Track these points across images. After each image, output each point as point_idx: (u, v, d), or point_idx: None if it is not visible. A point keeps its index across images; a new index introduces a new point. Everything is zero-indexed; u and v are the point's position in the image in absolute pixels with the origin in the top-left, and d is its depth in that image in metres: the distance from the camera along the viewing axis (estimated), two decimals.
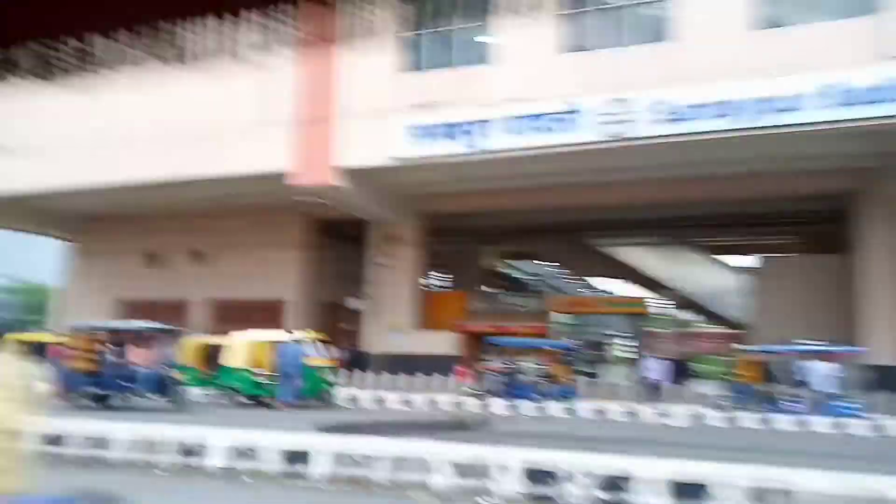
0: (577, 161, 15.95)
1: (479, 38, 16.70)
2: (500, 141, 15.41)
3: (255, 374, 12.62)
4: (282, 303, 22.97)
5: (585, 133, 14.77)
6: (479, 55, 16.59)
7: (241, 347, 12.95)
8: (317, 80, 17.19)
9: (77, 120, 19.34)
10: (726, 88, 13.82)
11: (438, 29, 16.85)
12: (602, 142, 14.74)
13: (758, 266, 20.72)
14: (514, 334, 19.00)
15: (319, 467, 5.66)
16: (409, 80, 16.82)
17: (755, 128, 13.62)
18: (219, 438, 6.13)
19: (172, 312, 23.43)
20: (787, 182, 18.26)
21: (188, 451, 6.08)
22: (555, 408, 13.98)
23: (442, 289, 24.35)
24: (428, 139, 15.99)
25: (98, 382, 11.49)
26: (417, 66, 17.00)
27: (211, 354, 14.86)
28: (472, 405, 14.21)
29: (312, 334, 13.56)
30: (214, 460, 5.97)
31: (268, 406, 12.43)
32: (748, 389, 13.08)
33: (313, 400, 12.60)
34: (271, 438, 6.11)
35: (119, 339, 12.20)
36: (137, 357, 11.85)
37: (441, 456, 5.31)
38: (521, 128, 15.25)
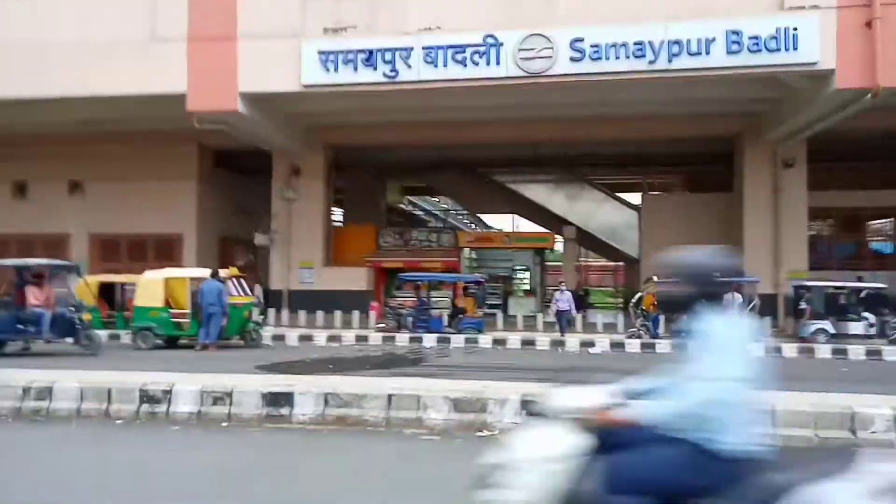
0: (491, 96, 15.93)
1: None
2: (421, 72, 14.99)
3: (173, 313, 11.85)
4: (177, 237, 21.57)
5: (506, 68, 14.69)
6: None
7: (156, 286, 12.04)
8: None
9: None
10: (643, 30, 14.20)
11: None
12: (522, 77, 14.76)
13: (644, 203, 22.12)
14: (425, 270, 19.21)
15: (302, 409, 5.48)
16: (317, 1, 15.77)
17: (670, 70, 14.19)
18: (186, 383, 5.73)
19: (49, 249, 21.33)
20: (682, 124, 19.43)
21: (151, 399, 5.64)
22: (465, 340, 14.39)
23: (349, 224, 23.87)
24: (343, 66, 15.22)
25: None
26: None
27: (107, 293, 13.75)
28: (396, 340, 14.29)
29: (234, 271, 12.87)
30: (182, 407, 5.59)
31: (190, 347, 11.79)
32: (656, 319, 14.18)
33: (236, 340, 12.11)
34: (247, 381, 5.81)
35: (9, 277, 10.93)
36: (35, 297, 10.69)
37: (433, 392, 5.33)
38: (443, 59, 14.90)
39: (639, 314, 14.82)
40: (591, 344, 13.93)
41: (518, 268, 23.28)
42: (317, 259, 20.99)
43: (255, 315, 12.61)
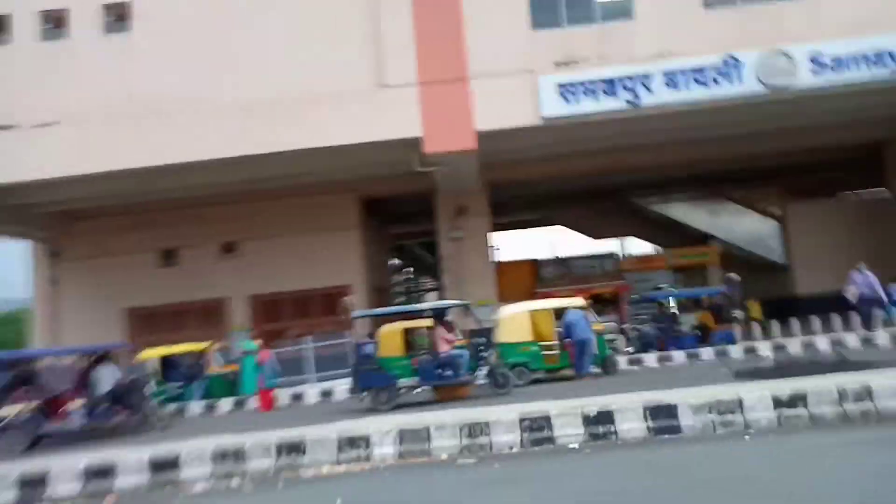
0: (725, 115, 16.34)
1: None
2: (663, 95, 15.35)
3: (544, 346, 11.50)
4: (346, 289, 20.92)
5: (749, 85, 15.21)
6: (618, 11, 16.28)
7: (520, 320, 11.69)
8: (443, 37, 15.83)
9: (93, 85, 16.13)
10: (882, 40, 14.98)
11: None
12: (763, 95, 15.29)
13: (789, 212, 22.90)
14: (596, 295, 19.26)
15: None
16: (545, 36, 16.04)
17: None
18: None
19: (205, 316, 20.50)
20: (829, 132, 20.28)
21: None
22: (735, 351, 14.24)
23: (509, 259, 23.75)
24: (584, 96, 15.44)
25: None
26: (554, 23, 16.25)
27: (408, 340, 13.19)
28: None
29: (586, 301, 12.63)
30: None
31: (567, 379, 11.44)
32: None
33: (598, 368, 11.83)
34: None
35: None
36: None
37: None
38: (685, 82, 15.31)
39: None
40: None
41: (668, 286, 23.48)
42: (490, 296, 20.73)
43: (611, 342, 12.36)
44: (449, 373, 10.14)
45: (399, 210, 22.78)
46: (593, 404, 6.54)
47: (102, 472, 6.48)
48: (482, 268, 20.71)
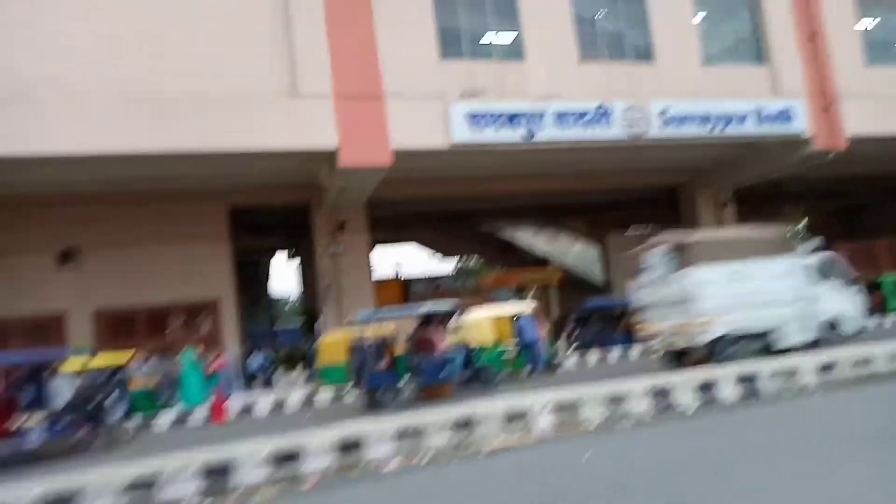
0: (594, 154, 18.90)
1: (510, 34, 18.14)
2: (551, 133, 17.36)
3: (504, 349, 12.25)
4: (214, 303, 19.37)
5: (615, 131, 17.94)
6: (512, 50, 18.04)
7: (486, 325, 12.32)
8: (357, 53, 16.10)
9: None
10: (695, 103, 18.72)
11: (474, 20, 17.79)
12: (624, 140, 18.13)
13: (610, 241, 26.94)
14: None
15: None
16: (451, 66, 17.17)
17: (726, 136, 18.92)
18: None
19: (36, 333, 17.69)
20: (643, 176, 24.54)
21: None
22: None
23: (382, 277, 23.95)
24: (485, 126, 16.81)
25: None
26: (458, 54, 17.45)
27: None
28: None
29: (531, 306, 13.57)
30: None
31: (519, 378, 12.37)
32: None
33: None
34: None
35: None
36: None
37: None
38: (569, 122, 17.53)
39: None
40: None
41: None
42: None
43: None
44: (444, 373, 10.57)
45: (265, 222, 21.90)
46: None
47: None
48: (361, 284, 20.83)
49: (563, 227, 27.04)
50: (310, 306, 24.24)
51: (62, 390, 9.17)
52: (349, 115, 15.70)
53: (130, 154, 14.51)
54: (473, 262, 29.81)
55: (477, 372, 11.25)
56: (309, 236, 20.99)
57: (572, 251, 27.09)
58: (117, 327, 18.60)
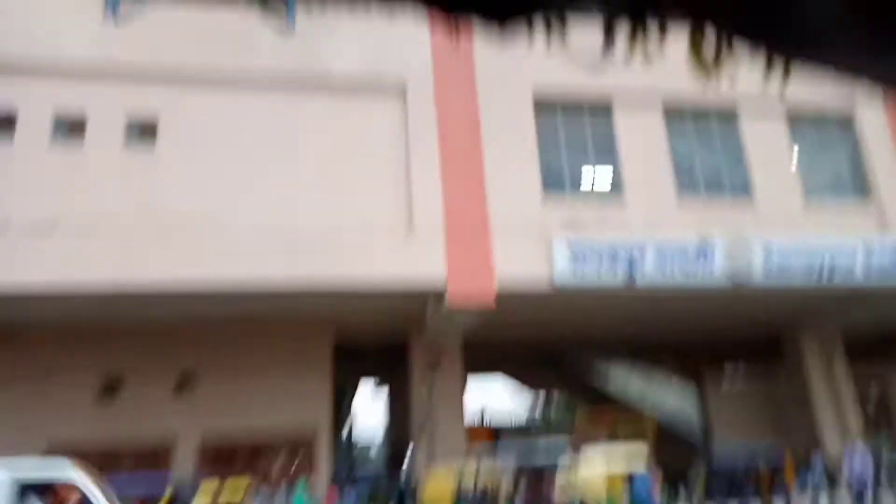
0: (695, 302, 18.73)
1: (609, 170, 18.98)
2: (652, 276, 17.31)
3: None
4: (311, 437, 19.49)
5: (717, 271, 17.76)
6: (612, 186, 18.77)
7: (600, 481, 11.75)
8: (468, 192, 17.13)
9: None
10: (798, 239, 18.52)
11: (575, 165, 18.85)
12: (726, 287, 17.83)
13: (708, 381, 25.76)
14: None
15: None
16: (553, 201, 17.92)
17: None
18: None
19: (142, 461, 18.09)
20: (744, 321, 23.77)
21: None
22: None
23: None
24: (586, 262, 17.08)
25: None
26: (560, 189, 18.28)
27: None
28: None
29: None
30: None
31: None
32: None
33: None
34: None
35: None
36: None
37: None
38: (670, 259, 17.59)
39: None
40: None
41: None
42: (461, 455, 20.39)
43: None
44: None
45: (371, 355, 22.41)
46: None
47: None
48: (454, 422, 20.54)
49: (655, 365, 26.19)
50: (396, 442, 23.88)
51: None
52: (458, 256, 16.34)
53: (263, 289, 15.52)
54: (560, 401, 28.98)
55: None
56: (403, 370, 21.19)
57: (666, 394, 25.97)
58: (218, 456, 18.87)
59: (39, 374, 18.32)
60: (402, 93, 17.75)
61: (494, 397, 26.54)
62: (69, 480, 8.44)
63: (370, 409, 28.77)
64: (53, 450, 17.82)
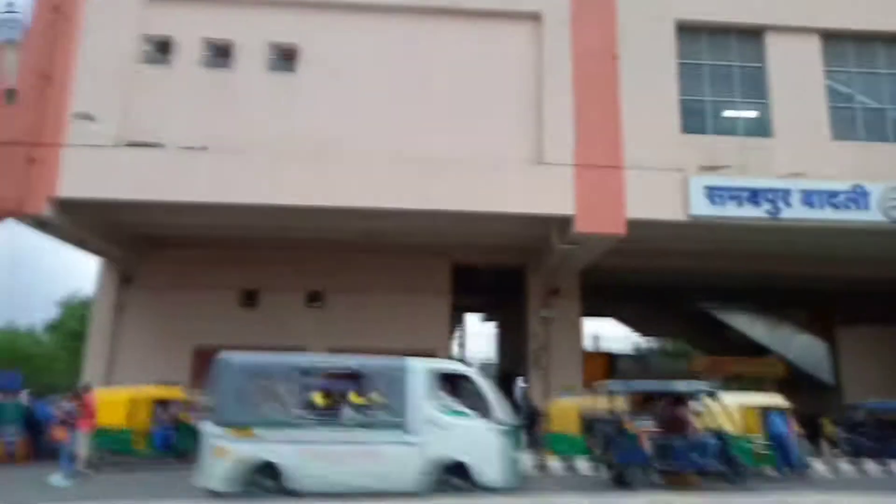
0: (846, 238, 17.52)
1: (756, 109, 17.76)
2: (798, 211, 16.41)
3: (754, 442, 11.56)
4: (431, 356, 20.44)
5: (872, 214, 16.51)
6: (757, 127, 17.60)
7: (734, 413, 11.71)
8: (600, 126, 16.62)
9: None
10: None
11: (719, 99, 17.73)
12: (883, 223, 16.58)
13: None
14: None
15: None
16: (692, 140, 17.09)
17: None
18: None
19: None
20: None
21: None
22: None
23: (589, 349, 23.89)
24: (729, 201, 16.35)
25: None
26: (700, 130, 17.38)
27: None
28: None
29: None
30: None
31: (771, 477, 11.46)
32: None
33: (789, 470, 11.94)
34: None
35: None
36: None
37: None
38: (819, 202, 16.49)
39: None
40: None
41: None
42: (575, 382, 20.72)
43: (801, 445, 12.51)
44: (697, 458, 10.11)
45: (484, 282, 22.86)
46: None
47: None
48: (570, 352, 20.81)
49: (782, 316, 25.03)
50: (508, 370, 24.51)
51: None
52: (587, 183, 16.13)
53: (393, 210, 16.01)
54: (675, 343, 28.43)
55: (728, 462, 10.50)
56: (519, 299, 21.47)
57: (794, 344, 24.83)
58: None
59: (187, 283, 20.11)
60: (537, 19, 17.14)
61: (610, 337, 26.37)
62: (465, 373, 10.51)
63: (480, 337, 29.49)
64: (202, 353, 19.78)
